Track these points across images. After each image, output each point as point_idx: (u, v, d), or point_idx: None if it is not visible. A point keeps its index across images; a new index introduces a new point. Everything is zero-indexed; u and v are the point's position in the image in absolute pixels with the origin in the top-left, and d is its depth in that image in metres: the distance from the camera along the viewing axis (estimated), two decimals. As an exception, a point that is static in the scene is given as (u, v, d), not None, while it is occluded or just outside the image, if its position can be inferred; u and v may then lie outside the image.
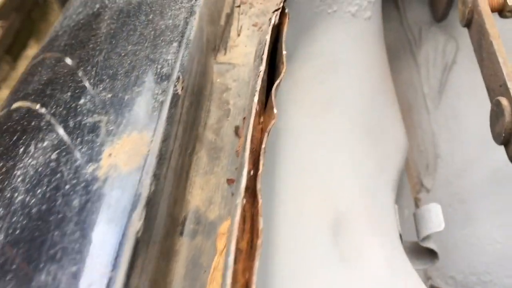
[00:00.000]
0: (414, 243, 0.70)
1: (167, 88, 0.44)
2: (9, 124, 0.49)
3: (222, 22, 0.64)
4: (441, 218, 0.65)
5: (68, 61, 0.54)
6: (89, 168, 0.39)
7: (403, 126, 0.76)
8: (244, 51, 0.60)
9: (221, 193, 0.45)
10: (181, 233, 0.43)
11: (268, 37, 0.51)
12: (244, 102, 0.54)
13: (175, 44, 0.49)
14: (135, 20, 0.54)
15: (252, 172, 0.44)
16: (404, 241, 0.69)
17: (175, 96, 0.44)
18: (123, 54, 0.50)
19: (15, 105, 0.52)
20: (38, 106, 0.49)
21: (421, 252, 0.70)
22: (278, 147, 0.57)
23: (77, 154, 0.41)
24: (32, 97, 0.51)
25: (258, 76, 0.47)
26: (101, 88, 0.47)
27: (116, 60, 0.50)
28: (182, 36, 0.50)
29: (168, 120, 0.42)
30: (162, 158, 0.40)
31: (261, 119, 0.51)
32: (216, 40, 0.60)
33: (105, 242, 0.33)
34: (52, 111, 0.47)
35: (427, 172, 0.92)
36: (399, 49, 0.95)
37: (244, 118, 0.51)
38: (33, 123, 0.47)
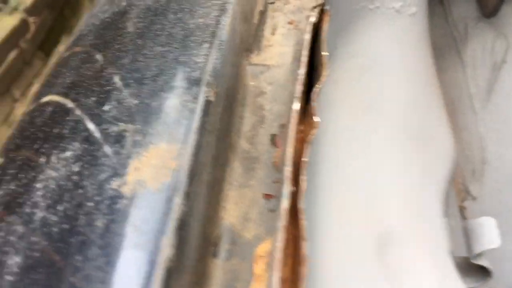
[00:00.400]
0: (465, 259, 0.64)
1: (198, 94, 0.40)
2: (30, 129, 0.46)
3: (255, 20, 0.59)
4: (496, 234, 0.59)
5: (93, 61, 0.51)
6: (114, 184, 0.36)
7: (450, 131, 0.70)
8: (279, 51, 0.56)
9: (258, 209, 0.41)
10: (214, 255, 0.38)
11: (307, 37, 0.46)
12: (281, 107, 0.50)
13: (206, 45, 0.45)
14: (163, 19, 0.50)
15: (293, 189, 0.39)
16: (453, 257, 0.64)
17: (207, 103, 0.40)
18: (150, 56, 0.47)
19: (35, 107, 0.49)
20: (60, 112, 0.46)
21: (473, 268, 0.64)
22: (317, 153, 0.52)
23: (102, 167, 0.37)
24: (59, 95, 0.48)
25: (297, 80, 0.42)
26: (127, 94, 0.43)
27: (143, 62, 0.46)
28: (214, 37, 0.45)
29: (199, 130, 0.38)
30: (193, 173, 0.35)
31: (301, 127, 0.46)
32: (249, 39, 0.56)
33: (132, 271, 0.30)
34: (74, 118, 0.44)
35: (473, 179, 0.85)
36: (443, 47, 0.89)
37: (281, 125, 0.47)
38: (54, 130, 0.44)
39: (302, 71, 0.42)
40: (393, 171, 0.58)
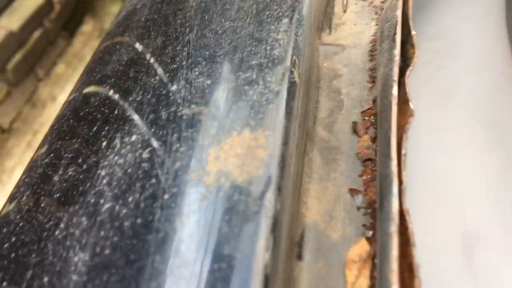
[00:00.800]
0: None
1: (283, 75, 0.35)
2: (86, 110, 0.42)
3: (324, -5, 0.54)
4: None
5: (152, 39, 0.47)
6: (193, 174, 0.31)
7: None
8: (353, 30, 0.51)
9: (343, 205, 0.36)
10: (299, 256, 0.34)
11: (399, 13, 0.41)
12: (360, 92, 0.45)
13: (285, 21, 0.40)
14: (232, -9, 0.45)
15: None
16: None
17: (293, 84, 0.35)
18: (220, 32, 0.42)
19: (90, 89, 0.45)
20: (120, 92, 0.41)
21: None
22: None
23: (175, 154, 0.33)
24: (112, 80, 0.44)
25: (393, 61, 0.37)
26: (197, 73, 0.39)
27: (212, 39, 0.42)
28: (293, 11, 0.41)
29: (287, 115, 0.33)
30: (284, 164, 0.31)
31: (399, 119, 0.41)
32: (319, 16, 0.51)
33: (226, 279, 0.25)
34: (138, 98, 0.40)
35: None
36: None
37: (363, 112, 0.42)
38: (116, 112, 0.40)
39: (397, 51, 0.37)
40: (473, 164, 0.53)
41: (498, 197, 0.51)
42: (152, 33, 0.47)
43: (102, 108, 0.41)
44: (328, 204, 0.37)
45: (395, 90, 0.34)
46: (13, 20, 1.90)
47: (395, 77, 0.35)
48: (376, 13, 0.53)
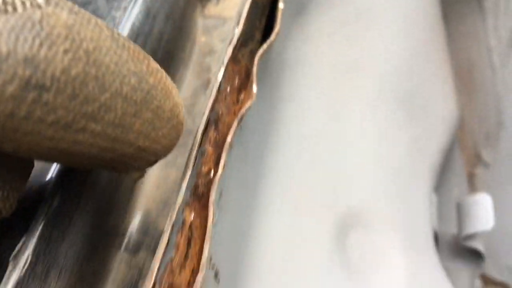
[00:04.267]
0: (455, 239, 0.57)
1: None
2: None
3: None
4: (491, 214, 0.51)
5: None
6: None
7: (454, 96, 0.60)
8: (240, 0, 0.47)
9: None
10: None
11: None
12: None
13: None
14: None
15: (211, 174, 0.33)
16: (442, 236, 0.57)
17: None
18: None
19: None
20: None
21: (464, 250, 0.57)
22: (278, 123, 0.45)
23: None
24: None
25: (231, 42, 0.35)
26: None
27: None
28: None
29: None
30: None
31: (241, 96, 0.39)
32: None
33: None
34: None
35: (487, 143, 0.76)
36: (460, -10, 0.76)
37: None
38: None
39: (238, 30, 0.35)
40: (372, 140, 0.50)
41: (393, 172, 0.49)
42: None
43: None
44: (165, 194, 0.36)
45: (222, 67, 0.32)
46: None
47: (227, 57, 0.33)
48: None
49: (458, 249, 0.56)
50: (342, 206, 0.44)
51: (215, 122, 0.33)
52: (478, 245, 0.54)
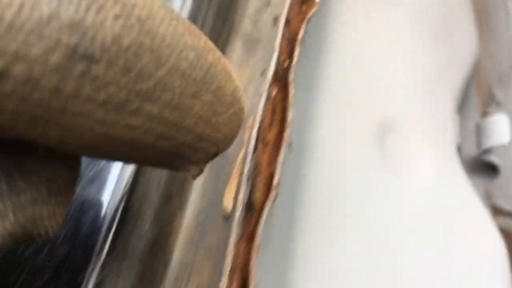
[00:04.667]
0: (474, 156, 0.64)
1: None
2: None
3: None
4: (507, 130, 0.59)
5: None
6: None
7: (474, 30, 0.67)
8: None
9: (255, 85, 0.42)
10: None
11: None
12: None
13: None
14: None
15: (286, 64, 0.40)
16: (463, 154, 0.64)
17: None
18: None
19: None
20: None
21: (481, 166, 0.65)
22: (323, 45, 0.52)
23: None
24: None
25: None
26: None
27: None
28: None
29: None
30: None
31: (303, 8, 0.46)
32: None
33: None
34: None
35: (500, 84, 0.82)
36: None
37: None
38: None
39: None
40: (405, 61, 0.57)
41: (423, 91, 0.56)
42: None
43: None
44: (242, 85, 0.42)
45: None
46: None
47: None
48: None
49: (476, 165, 0.63)
50: (382, 113, 0.51)
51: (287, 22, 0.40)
52: (494, 158, 0.61)
